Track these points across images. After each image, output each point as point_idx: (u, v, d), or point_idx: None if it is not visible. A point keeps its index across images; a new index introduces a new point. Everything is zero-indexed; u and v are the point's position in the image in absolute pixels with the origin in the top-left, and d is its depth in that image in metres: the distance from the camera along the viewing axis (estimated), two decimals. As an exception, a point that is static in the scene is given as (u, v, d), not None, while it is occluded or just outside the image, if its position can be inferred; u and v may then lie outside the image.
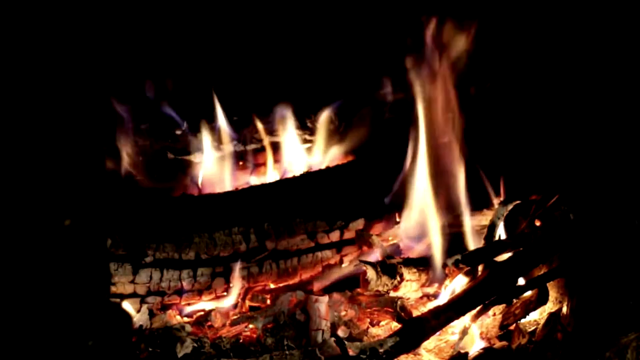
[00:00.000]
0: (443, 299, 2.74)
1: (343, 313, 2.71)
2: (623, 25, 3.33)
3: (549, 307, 2.60)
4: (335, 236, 2.98)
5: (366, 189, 3.09)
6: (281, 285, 2.91)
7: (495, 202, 2.99)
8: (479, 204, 2.98)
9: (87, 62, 3.49)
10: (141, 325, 2.66)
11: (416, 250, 2.92)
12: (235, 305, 2.85)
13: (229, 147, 3.35)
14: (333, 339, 2.41)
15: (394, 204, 3.01)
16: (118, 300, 2.72)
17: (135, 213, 2.90)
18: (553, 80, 3.45)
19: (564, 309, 2.50)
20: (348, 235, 2.99)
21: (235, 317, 2.75)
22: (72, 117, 3.32)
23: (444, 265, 2.67)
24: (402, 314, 2.67)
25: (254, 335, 2.62)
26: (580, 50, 3.43)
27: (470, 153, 3.03)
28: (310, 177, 3.15)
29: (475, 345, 2.60)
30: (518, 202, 2.87)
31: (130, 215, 2.88)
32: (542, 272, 2.64)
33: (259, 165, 3.44)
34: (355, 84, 3.57)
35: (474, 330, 2.62)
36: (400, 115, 3.38)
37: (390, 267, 2.72)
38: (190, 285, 2.80)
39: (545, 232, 2.73)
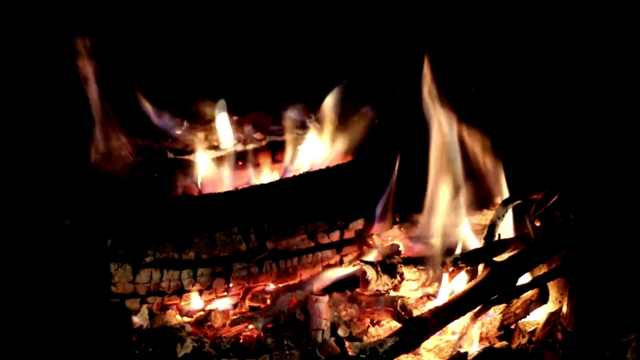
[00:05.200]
0: (443, 298, 2.74)
1: (343, 313, 2.71)
2: (623, 24, 3.33)
3: (549, 307, 2.60)
4: (335, 236, 2.98)
5: (366, 189, 3.08)
6: (281, 285, 2.91)
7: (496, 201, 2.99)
8: (479, 203, 2.99)
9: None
10: (141, 325, 2.66)
11: (416, 250, 2.92)
12: (235, 305, 2.86)
13: (229, 147, 3.34)
14: (333, 338, 2.41)
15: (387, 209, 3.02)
16: (118, 300, 2.72)
17: (136, 213, 2.90)
18: (554, 79, 3.45)
19: (564, 309, 2.50)
20: (348, 235, 2.99)
21: (235, 317, 2.75)
22: (72, 118, 3.33)
23: (444, 264, 2.67)
24: (403, 313, 2.67)
25: (254, 335, 2.62)
26: (581, 50, 3.43)
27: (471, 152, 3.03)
28: (310, 177, 3.15)
29: (475, 345, 2.60)
30: (518, 202, 2.87)
31: (131, 215, 2.88)
32: (542, 272, 2.64)
33: (259, 165, 3.43)
34: (356, 83, 3.57)
35: (474, 330, 2.62)
36: (400, 115, 3.38)
37: (390, 266, 2.72)
38: (190, 285, 2.80)
39: (545, 232, 2.74)
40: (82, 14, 3.43)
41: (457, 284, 2.77)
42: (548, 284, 2.60)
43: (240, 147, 3.38)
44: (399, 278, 2.73)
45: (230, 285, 2.85)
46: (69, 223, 2.82)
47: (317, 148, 3.42)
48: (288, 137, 3.43)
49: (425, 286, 2.86)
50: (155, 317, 2.73)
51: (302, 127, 3.46)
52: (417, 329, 2.45)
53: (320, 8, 3.68)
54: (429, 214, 2.90)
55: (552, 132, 3.31)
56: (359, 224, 3.00)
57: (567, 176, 2.91)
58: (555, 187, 2.82)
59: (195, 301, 2.83)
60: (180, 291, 2.79)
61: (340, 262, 3.00)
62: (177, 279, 2.77)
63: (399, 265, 2.74)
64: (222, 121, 3.37)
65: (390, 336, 2.42)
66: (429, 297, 2.89)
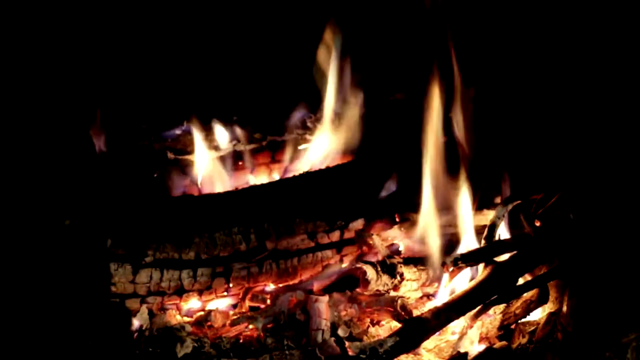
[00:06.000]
0: (443, 298, 2.74)
1: (343, 313, 2.71)
2: (623, 24, 3.33)
3: (549, 307, 2.60)
4: (335, 236, 2.98)
5: (366, 189, 3.09)
6: (281, 285, 2.91)
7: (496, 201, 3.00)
8: (479, 203, 2.99)
9: (86, 63, 3.49)
10: (141, 325, 2.66)
11: (416, 250, 2.92)
12: (235, 305, 2.86)
13: (228, 147, 3.34)
14: (333, 338, 2.42)
15: (391, 202, 3.02)
16: (118, 300, 2.72)
17: (136, 213, 2.90)
18: (554, 80, 3.45)
19: (564, 309, 2.50)
20: (348, 235, 2.99)
21: (235, 317, 2.75)
22: (72, 118, 3.33)
23: (444, 264, 2.68)
24: (403, 313, 2.67)
25: (254, 335, 2.62)
26: (581, 50, 3.43)
27: (471, 152, 3.04)
28: (310, 177, 3.15)
29: (475, 345, 2.60)
30: (518, 202, 2.87)
31: (131, 215, 2.88)
32: (542, 272, 2.64)
33: (259, 165, 3.43)
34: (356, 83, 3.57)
35: (474, 330, 2.62)
36: (400, 115, 3.38)
37: (390, 266, 2.72)
38: (190, 285, 2.80)
39: (545, 232, 2.74)
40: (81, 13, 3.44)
41: (457, 283, 2.78)
42: (548, 284, 2.60)
43: (240, 147, 3.38)
44: (399, 278, 2.73)
45: (230, 285, 2.85)
46: (69, 223, 2.82)
47: (317, 148, 3.42)
48: (288, 137, 3.43)
49: (425, 286, 2.86)
50: (155, 317, 2.73)
51: (302, 127, 3.46)
52: (417, 329, 2.46)
53: (320, 8, 3.68)
54: (429, 214, 2.90)
55: (552, 132, 3.31)
56: (359, 224, 3.00)
57: (567, 176, 2.91)
58: (555, 187, 2.82)
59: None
60: (180, 291, 2.79)
61: (340, 262, 3.00)
62: (177, 279, 2.77)
63: (399, 265, 2.74)
64: (221, 121, 3.37)
65: (390, 336, 2.42)
66: (429, 297, 2.89)
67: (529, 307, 2.61)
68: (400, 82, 3.51)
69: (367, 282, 2.68)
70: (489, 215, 2.91)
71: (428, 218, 2.89)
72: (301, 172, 3.24)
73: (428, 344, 2.58)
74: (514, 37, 3.51)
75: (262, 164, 3.43)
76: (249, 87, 3.65)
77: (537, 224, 2.79)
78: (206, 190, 3.23)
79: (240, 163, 3.39)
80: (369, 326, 2.70)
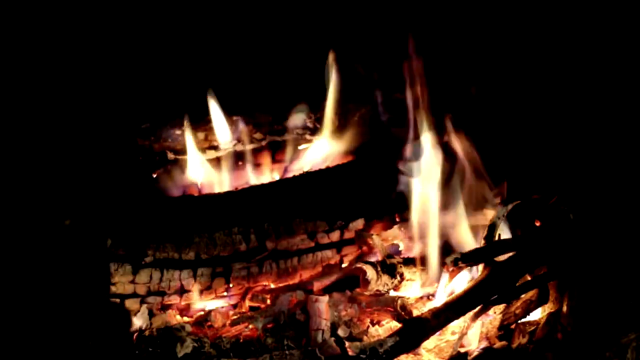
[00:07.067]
0: (443, 298, 2.74)
1: (343, 313, 2.72)
2: (623, 25, 3.33)
3: (549, 307, 2.61)
4: (335, 236, 2.98)
5: (366, 189, 3.09)
6: (281, 285, 2.91)
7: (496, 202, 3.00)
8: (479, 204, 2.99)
9: (86, 63, 3.49)
10: (141, 325, 2.66)
11: (416, 250, 2.92)
12: (235, 305, 2.86)
13: (228, 147, 3.35)
14: (333, 338, 2.42)
15: (394, 204, 3.02)
16: (118, 300, 2.72)
17: (136, 213, 2.90)
18: (554, 80, 3.45)
19: (564, 309, 2.50)
20: (348, 235, 2.99)
21: (235, 317, 2.76)
22: (72, 118, 3.33)
23: (444, 264, 2.68)
24: (403, 313, 2.67)
25: (254, 335, 2.62)
26: (580, 50, 3.43)
27: (471, 153, 3.04)
28: (310, 177, 3.15)
29: (475, 345, 2.60)
30: (518, 202, 2.87)
31: (131, 215, 2.88)
32: (542, 272, 2.64)
33: (259, 165, 3.44)
34: (355, 84, 3.57)
35: (474, 330, 2.62)
36: (400, 115, 3.38)
37: (390, 266, 2.72)
38: (190, 285, 2.80)
39: (545, 232, 2.74)
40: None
41: (457, 283, 2.78)
42: (548, 284, 2.60)
43: (240, 147, 3.38)
44: (399, 278, 2.73)
45: (230, 285, 2.85)
46: (69, 223, 2.82)
47: (317, 148, 3.42)
48: (288, 137, 3.44)
49: (425, 286, 2.86)
50: (155, 317, 2.73)
51: (302, 127, 3.46)
52: (417, 329, 2.46)
53: (320, 8, 3.68)
54: (429, 214, 2.90)
55: (553, 132, 3.31)
56: (359, 224, 3.00)
57: (567, 176, 2.91)
58: (555, 187, 2.82)
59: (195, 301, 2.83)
60: (180, 291, 2.80)
61: (340, 262, 3.00)
62: (177, 279, 2.77)
63: (399, 265, 2.74)
64: (221, 120, 3.37)
65: (390, 336, 2.42)
66: (429, 297, 2.89)
67: (529, 307, 2.61)
68: (400, 82, 3.51)
69: (367, 282, 2.68)
70: (489, 215, 2.91)
71: (428, 218, 2.89)
72: (301, 172, 3.24)
73: (428, 344, 2.58)
74: (515, 37, 3.52)
75: (262, 164, 3.43)
76: (249, 87, 3.65)
77: (537, 224, 2.79)
78: (206, 190, 3.23)
79: (240, 163, 3.39)
80: (369, 326, 2.70)
